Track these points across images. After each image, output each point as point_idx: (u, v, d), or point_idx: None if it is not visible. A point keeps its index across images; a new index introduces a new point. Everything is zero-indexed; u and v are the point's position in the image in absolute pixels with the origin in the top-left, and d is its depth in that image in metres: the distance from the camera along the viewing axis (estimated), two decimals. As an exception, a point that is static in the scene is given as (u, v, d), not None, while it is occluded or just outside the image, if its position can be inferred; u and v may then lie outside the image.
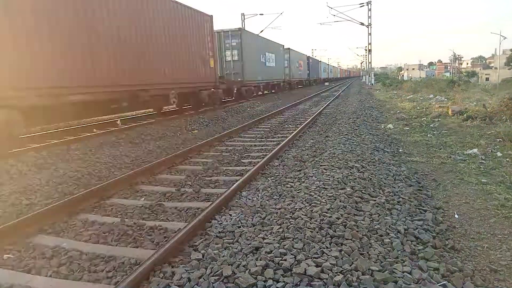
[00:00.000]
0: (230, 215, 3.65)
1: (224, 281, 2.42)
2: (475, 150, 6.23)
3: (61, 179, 5.28)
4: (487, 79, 67.46)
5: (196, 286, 2.41)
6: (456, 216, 3.70)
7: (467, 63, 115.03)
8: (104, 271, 2.77)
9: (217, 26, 18.79)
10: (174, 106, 12.07)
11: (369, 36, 38.13)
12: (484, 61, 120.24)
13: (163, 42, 10.56)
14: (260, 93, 23.42)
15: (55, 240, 3.37)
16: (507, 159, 5.63)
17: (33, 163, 6.06)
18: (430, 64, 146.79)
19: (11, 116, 6.24)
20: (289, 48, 31.04)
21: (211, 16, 13.77)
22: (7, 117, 6.17)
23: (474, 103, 13.26)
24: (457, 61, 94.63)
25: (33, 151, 6.70)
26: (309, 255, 2.67)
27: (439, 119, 10.24)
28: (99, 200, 4.43)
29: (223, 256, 2.74)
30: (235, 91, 18.08)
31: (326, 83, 52.58)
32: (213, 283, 2.40)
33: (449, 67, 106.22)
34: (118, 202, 4.42)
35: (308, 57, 43.59)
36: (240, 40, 18.48)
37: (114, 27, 8.57)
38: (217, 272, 2.51)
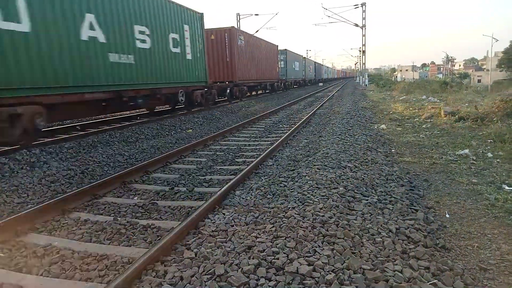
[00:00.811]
0: (224, 214, 3.66)
1: (216, 280, 2.42)
2: (467, 150, 6.30)
3: (53, 177, 5.24)
4: (479, 81, 68.19)
5: (188, 285, 2.41)
6: (447, 215, 3.75)
7: (460, 65, 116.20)
8: (96, 270, 2.76)
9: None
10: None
11: (363, 37, 38.36)
12: (476, 63, 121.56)
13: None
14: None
15: (47, 238, 3.35)
16: (498, 160, 5.70)
17: (26, 161, 6.01)
18: (423, 65, 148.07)
19: None
20: (305, 58, 45.19)
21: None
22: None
23: (466, 104, 13.39)
24: (449, 63, 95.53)
25: (25, 149, 6.64)
26: (302, 254, 2.68)
27: (431, 120, 10.34)
28: (92, 199, 4.41)
29: (216, 255, 2.75)
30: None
31: (320, 84, 53.60)
32: (205, 281, 2.40)
33: (442, 68, 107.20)
34: (111, 200, 4.40)
35: (315, 63, 58.97)
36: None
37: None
38: (210, 271, 2.51)
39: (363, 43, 39.08)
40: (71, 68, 7.31)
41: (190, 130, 10.04)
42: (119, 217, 3.83)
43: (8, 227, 3.37)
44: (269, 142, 7.89)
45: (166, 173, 5.67)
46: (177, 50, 11.71)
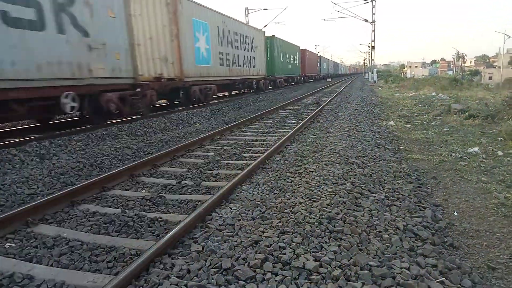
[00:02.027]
0: (230, 208, 3.67)
1: (223, 273, 2.44)
2: (476, 148, 6.23)
3: (63, 169, 5.30)
4: (490, 78, 67.14)
5: (195, 278, 2.43)
6: (456, 213, 3.72)
7: (470, 62, 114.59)
8: (104, 261, 2.79)
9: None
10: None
11: (373, 33, 37.96)
12: (487, 60, 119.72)
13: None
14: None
15: (57, 230, 3.39)
16: (508, 158, 5.63)
17: (36, 153, 6.09)
18: (433, 62, 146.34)
19: None
20: (333, 61, 57.47)
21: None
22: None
23: (477, 101, 13.23)
24: (460, 60, 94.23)
25: (35, 141, 6.72)
26: (308, 249, 2.68)
27: (441, 117, 10.23)
28: (101, 191, 4.46)
29: (223, 249, 2.76)
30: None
31: (329, 79, 53.81)
32: (212, 275, 2.42)
33: (452, 65, 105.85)
34: (119, 193, 4.44)
35: (334, 62, 73.30)
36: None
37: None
38: (217, 265, 2.53)
39: (373, 38, 38.68)
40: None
41: (198, 125, 10.07)
42: (127, 209, 3.87)
43: (18, 218, 3.43)
44: (276, 137, 7.88)
45: (173, 167, 5.70)
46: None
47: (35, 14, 6.39)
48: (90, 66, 7.70)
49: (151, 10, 11.13)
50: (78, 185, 4.27)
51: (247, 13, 35.78)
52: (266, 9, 36.69)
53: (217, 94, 16.81)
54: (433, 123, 9.45)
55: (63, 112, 7.30)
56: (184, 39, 12.36)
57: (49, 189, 4.60)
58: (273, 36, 25.07)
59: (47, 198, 3.82)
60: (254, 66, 21.02)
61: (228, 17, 16.85)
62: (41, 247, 3.07)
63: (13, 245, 3.12)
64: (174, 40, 11.73)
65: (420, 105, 13.63)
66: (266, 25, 34.37)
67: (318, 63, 48.53)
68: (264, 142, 7.41)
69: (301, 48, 35.32)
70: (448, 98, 15.61)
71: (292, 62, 31.39)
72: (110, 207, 4.01)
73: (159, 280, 2.40)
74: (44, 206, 3.72)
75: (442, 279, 2.36)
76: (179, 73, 12.10)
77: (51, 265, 2.78)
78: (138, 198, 4.23)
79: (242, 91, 21.18)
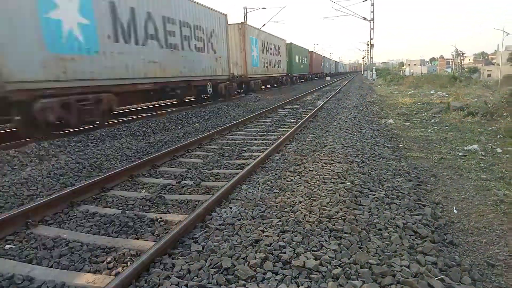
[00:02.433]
0: (230, 208, 3.67)
1: (223, 273, 2.44)
2: (475, 146, 6.24)
3: (62, 170, 5.29)
4: (489, 75, 67.18)
5: (196, 277, 2.43)
6: (455, 211, 3.72)
7: (469, 59, 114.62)
8: (104, 262, 2.79)
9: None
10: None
11: (371, 31, 38.00)
12: (486, 57, 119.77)
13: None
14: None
15: (56, 231, 3.39)
16: (507, 156, 5.64)
17: (35, 154, 6.08)
18: (432, 59, 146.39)
19: None
20: (334, 60, 65.09)
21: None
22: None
23: (476, 99, 13.24)
24: (459, 57, 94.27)
25: (34, 142, 6.71)
26: (308, 248, 2.69)
27: (440, 115, 10.24)
28: (100, 192, 4.45)
29: (223, 248, 2.76)
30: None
31: (328, 78, 54.43)
32: (213, 274, 2.42)
33: (451, 63, 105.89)
34: (119, 193, 4.44)
35: (335, 61, 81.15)
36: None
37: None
38: (217, 264, 2.53)
39: (371, 37, 38.74)
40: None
41: (197, 125, 10.06)
42: (127, 210, 3.87)
43: (18, 220, 3.42)
44: (275, 136, 7.88)
45: (173, 167, 5.70)
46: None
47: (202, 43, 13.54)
48: (216, 69, 14.98)
49: (232, 34, 17.90)
50: (78, 186, 4.27)
51: (245, 12, 35.76)
52: (264, 8, 36.64)
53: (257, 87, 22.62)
54: (432, 121, 9.46)
55: (207, 93, 14.85)
56: (247, 51, 19.35)
57: (49, 190, 4.59)
58: (291, 43, 32.33)
59: (46, 199, 3.82)
60: (280, 67, 28.04)
61: (266, 33, 24.05)
62: (41, 248, 3.06)
63: (13, 246, 3.11)
64: (242, 51, 18.94)
65: (419, 103, 13.64)
66: (264, 24, 34.36)
67: (322, 63, 55.22)
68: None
69: (309, 50, 42.96)
70: (447, 95, 15.62)
71: (303, 62, 38.33)
72: (109, 207, 4.00)
73: (159, 280, 2.40)
74: (44, 207, 3.71)
75: (442, 276, 2.36)
76: (245, 72, 19.31)
77: (51, 266, 2.77)
78: (137, 198, 4.23)
79: (268, 86, 26.87)
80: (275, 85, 27.32)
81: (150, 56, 10.30)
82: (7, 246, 3.11)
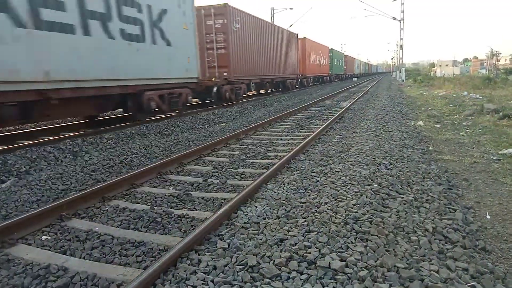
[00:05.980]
0: (256, 206, 3.69)
1: (249, 270, 2.46)
2: (511, 150, 5.98)
3: (94, 166, 5.49)
4: (527, 76, 63.94)
5: (221, 274, 2.47)
6: (488, 216, 3.59)
7: (506, 60, 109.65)
8: (134, 256, 2.88)
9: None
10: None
11: (401, 31, 37.12)
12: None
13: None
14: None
15: (89, 224, 3.53)
16: (546, 161, 5.37)
17: (69, 150, 6.34)
18: (465, 60, 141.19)
19: None
20: (364, 62, 71.20)
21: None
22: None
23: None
24: (494, 58, 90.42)
25: (69, 139, 7.00)
26: (334, 249, 2.67)
27: (473, 117, 9.87)
28: (130, 188, 4.59)
29: (248, 246, 2.79)
30: None
31: (355, 79, 53.75)
32: (238, 272, 2.45)
33: (485, 63, 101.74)
34: (148, 190, 4.56)
35: (365, 63, 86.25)
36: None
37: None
38: (242, 262, 2.56)
39: (401, 37, 37.82)
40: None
41: (224, 124, 10.17)
42: (155, 206, 3.97)
43: (53, 212, 3.59)
44: (301, 137, 7.85)
45: (200, 165, 5.79)
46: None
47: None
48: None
49: (299, 46, 26.30)
50: (109, 182, 4.42)
51: (272, 13, 35.79)
52: (291, 9, 36.59)
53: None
54: (464, 124, 9.13)
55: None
56: (307, 57, 28.40)
57: (82, 185, 4.78)
58: (332, 48, 39.45)
59: (80, 193, 3.98)
60: (324, 67, 35.55)
61: (316, 43, 31.39)
62: (74, 240, 3.20)
63: (49, 238, 3.27)
64: (303, 57, 27.59)
65: (451, 105, 13.21)
66: (291, 25, 34.27)
67: (354, 65, 63.95)
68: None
69: (344, 54, 51.69)
70: (480, 97, 15.04)
71: (340, 64, 45.89)
72: (139, 203, 4.12)
73: (186, 275, 2.46)
74: (77, 201, 3.87)
75: (474, 283, 2.29)
76: (303, 72, 27.74)
77: (84, 258, 2.89)
78: (165, 195, 4.33)
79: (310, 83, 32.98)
80: (320, 82, 36.08)
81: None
82: (43, 237, 3.27)
